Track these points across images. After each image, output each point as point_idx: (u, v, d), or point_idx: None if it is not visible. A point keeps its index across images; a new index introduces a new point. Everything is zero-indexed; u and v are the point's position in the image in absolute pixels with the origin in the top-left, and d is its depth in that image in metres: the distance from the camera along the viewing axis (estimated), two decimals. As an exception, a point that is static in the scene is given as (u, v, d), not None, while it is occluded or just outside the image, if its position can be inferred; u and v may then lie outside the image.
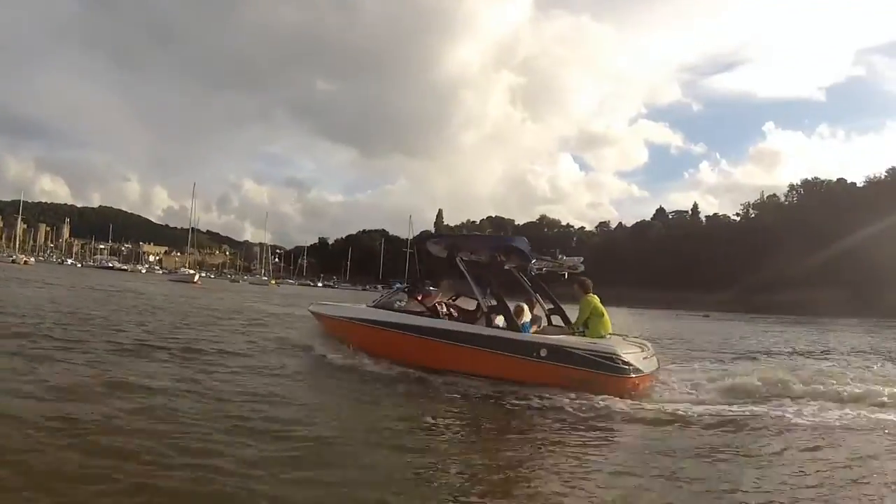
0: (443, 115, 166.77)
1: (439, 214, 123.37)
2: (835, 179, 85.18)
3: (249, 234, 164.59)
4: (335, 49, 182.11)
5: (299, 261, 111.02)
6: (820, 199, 78.64)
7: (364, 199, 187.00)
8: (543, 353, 7.92)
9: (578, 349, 7.87)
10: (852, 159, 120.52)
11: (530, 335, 8.28)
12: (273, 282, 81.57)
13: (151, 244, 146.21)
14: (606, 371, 7.64)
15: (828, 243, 60.65)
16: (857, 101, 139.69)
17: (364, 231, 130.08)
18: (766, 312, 52.04)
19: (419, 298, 9.32)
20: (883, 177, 77.96)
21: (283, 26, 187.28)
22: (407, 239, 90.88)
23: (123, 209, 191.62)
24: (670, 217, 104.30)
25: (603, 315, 8.66)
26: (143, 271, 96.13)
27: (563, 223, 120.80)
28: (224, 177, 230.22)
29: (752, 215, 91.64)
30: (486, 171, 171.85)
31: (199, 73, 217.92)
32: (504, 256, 9.41)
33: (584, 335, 8.42)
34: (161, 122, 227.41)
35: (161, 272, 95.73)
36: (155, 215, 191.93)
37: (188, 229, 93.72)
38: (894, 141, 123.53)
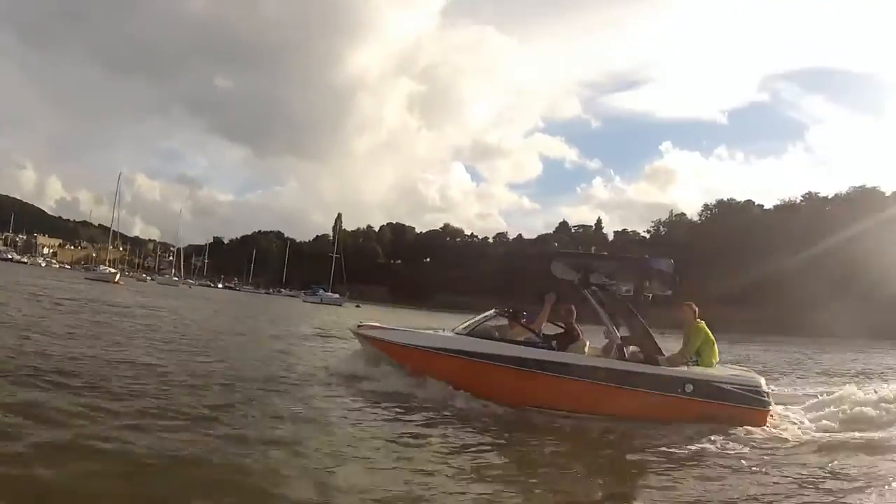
0: (338, 119, 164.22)
1: (338, 219, 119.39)
2: (743, 201, 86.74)
3: (139, 229, 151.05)
4: (236, 43, 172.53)
5: (192, 260, 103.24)
6: (732, 219, 79.89)
7: (254, 200, 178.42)
8: (689, 388, 7.42)
9: (725, 383, 7.49)
10: (750, 182, 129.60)
11: (674, 370, 7.63)
12: (183, 283, 75.02)
13: (46, 236, 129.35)
14: (753, 405, 7.36)
15: (743, 263, 61.49)
16: (758, 125, 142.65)
17: (260, 232, 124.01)
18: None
19: (524, 325, 8.18)
20: (798, 201, 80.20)
21: (189, 15, 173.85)
22: (333, 242, 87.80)
23: (18, 198, 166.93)
24: (573, 231, 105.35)
25: (714, 343, 8.14)
26: (43, 264, 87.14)
27: (468, 233, 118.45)
28: (118, 169, 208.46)
29: (663, 232, 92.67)
30: (378, 177, 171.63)
31: (105, 57, 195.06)
32: (649, 281, 8.51)
33: (697, 364, 7.90)
34: (61, 107, 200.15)
35: (69, 268, 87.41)
36: (48, 206, 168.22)
37: (80, 222, 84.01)
38: (795, 165, 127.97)
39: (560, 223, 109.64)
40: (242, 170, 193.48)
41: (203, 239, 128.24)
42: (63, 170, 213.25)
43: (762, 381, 7.61)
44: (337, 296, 65.67)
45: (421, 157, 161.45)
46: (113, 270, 57.84)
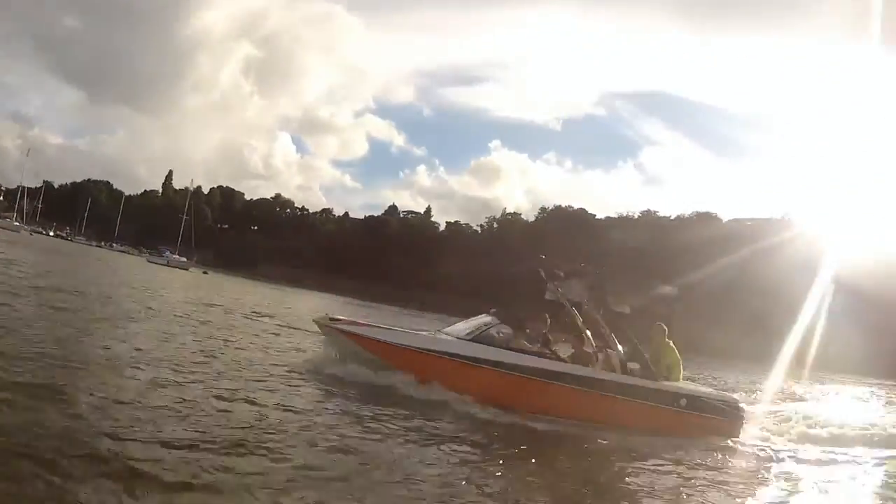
0: (176, 75, 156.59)
1: (169, 176, 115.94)
2: (576, 208, 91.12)
3: None
4: None
5: (22, 202, 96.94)
6: (567, 224, 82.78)
7: (82, 146, 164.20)
8: (683, 402, 8.08)
9: (712, 398, 8.42)
10: (576, 189, 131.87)
11: (671, 385, 8.32)
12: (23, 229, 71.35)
13: None
14: (732, 417, 8.27)
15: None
16: (592, 137, 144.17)
17: (90, 180, 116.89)
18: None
19: (528, 332, 8.61)
20: (637, 216, 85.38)
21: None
22: (187, 200, 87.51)
23: None
24: (403, 216, 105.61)
25: (680, 361, 8.67)
26: None
27: (298, 205, 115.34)
28: None
29: (495, 227, 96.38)
30: (205, 138, 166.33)
31: None
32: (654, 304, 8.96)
33: (668, 380, 8.42)
34: None
35: None
36: None
37: None
38: (625, 180, 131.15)
39: (390, 206, 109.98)
40: (75, 114, 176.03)
41: (28, 181, 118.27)
42: None
43: (735, 396, 8.87)
44: (184, 259, 67.39)
45: (249, 123, 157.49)
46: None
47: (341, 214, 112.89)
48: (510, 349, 8.21)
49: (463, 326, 8.85)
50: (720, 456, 7.53)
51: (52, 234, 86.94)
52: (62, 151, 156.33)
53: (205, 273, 61.08)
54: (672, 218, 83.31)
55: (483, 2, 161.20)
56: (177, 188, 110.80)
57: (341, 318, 9.37)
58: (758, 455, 7.85)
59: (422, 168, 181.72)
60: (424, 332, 9.13)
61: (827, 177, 75.43)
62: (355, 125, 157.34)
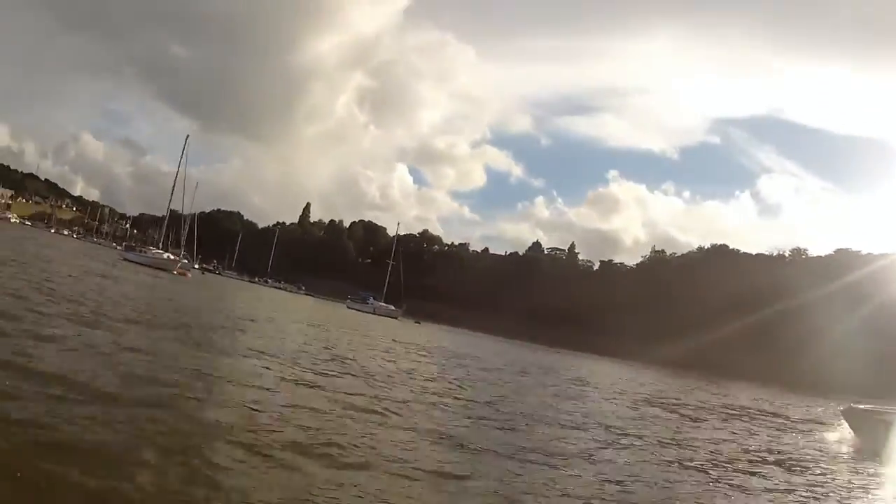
0: (289, 104, 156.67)
1: (307, 208, 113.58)
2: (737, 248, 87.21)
3: (80, 188, 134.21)
4: (195, 12, 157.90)
5: (150, 231, 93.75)
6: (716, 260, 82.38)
7: (195, 174, 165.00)
8: None
9: None
10: (694, 221, 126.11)
11: None
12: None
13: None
14: None
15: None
16: (708, 166, 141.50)
17: (220, 210, 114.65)
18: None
19: None
20: (787, 255, 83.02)
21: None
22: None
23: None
24: (548, 253, 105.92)
25: None
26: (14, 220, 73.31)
27: (446, 242, 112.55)
28: (63, 124, 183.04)
29: (646, 263, 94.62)
30: (320, 168, 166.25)
31: (56, 9, 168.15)
32: None
33: None
34: (12, 59, 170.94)
35: (67, 234, 76.40)
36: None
37: (27, 174, 73.67)
38: (741, 210, 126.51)
39: (533, 243, 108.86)
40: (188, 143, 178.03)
41: (141, 208, 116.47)
42: (11, 119, 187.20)
43: None
44: (392, 307, 60.85)
45: (365, 153, 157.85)
46: (171, 256, 46.92)
47: (480, 250, 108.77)
48: None
49: None
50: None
51: (197, 266, 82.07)
52: (172, 179, 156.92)
53: (417, 323, 55.28)
54: (818, 256, 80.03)
55: (594, 29, 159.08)
56: (312, 221, 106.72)
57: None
58: None
59: (540, 199, 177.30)
60: None
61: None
62: (472, 155, 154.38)
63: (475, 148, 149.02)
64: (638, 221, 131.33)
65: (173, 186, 53.64)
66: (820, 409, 24.40)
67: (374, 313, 56.05)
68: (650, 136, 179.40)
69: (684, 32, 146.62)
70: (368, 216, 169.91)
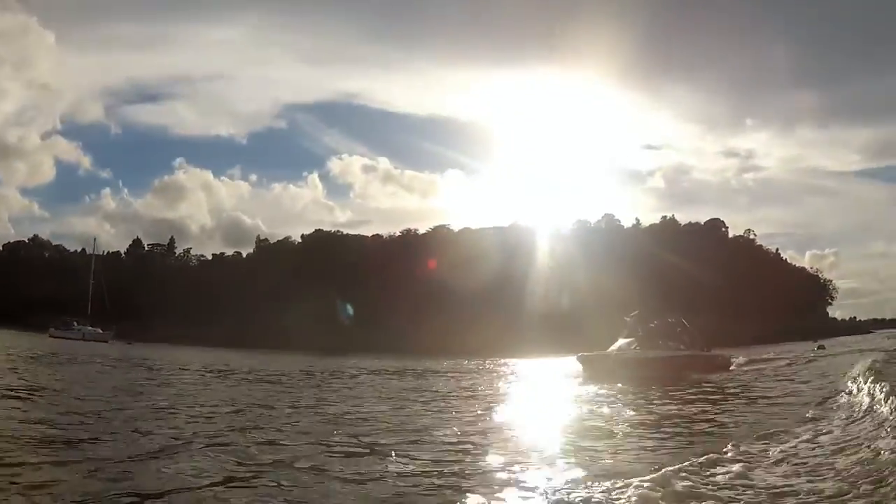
0: None
1: None
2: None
3: None
4: None
5: None
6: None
7: None
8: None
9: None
10: (261, 205, 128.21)
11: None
12: None
13: None
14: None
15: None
16: (277, 150, 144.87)
17: None
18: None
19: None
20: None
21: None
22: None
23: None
24: (148, 249, 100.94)
25: None
26: None
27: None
28: None
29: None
30: None
31: None
32: None
33: None
34: None
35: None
36: None
37: None
38: (311, 191, 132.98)
39: (134, 240, 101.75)
40: None
41: None
42: None
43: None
44: (100, 331, 56.38)
45: None
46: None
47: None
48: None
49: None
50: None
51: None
52: None
53: (129, 344, 49.66)
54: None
55: (176, 16, 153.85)
56: None
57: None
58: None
59: (106, 191, 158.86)
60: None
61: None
62: (42, 147, 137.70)
63: (45, 139, 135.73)
64: (204, 208, 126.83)
65: None
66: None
67: (83, 339, 53.20)
68: (220, 123, 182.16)
69: (259, 21, 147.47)
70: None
